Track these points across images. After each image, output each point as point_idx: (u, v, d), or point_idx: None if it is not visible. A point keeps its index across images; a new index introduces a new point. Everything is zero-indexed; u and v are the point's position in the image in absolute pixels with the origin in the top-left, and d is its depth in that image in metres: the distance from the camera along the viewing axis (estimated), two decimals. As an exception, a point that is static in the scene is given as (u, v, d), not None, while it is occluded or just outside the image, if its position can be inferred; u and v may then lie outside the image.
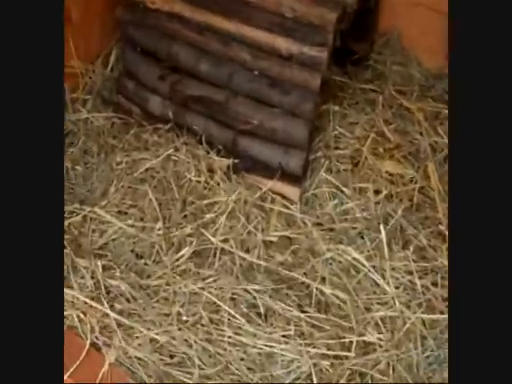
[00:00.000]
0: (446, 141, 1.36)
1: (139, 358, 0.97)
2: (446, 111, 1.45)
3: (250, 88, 1.25)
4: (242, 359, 0.97)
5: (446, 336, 1.01)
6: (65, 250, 1.08)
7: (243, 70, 1.24)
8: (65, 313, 1.01)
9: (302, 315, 1.02)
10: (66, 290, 1.02)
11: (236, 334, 0.99)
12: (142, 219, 1.18)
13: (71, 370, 0.95)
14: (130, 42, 1.38)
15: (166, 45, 1.31)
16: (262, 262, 1.09)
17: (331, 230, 1.19)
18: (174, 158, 1.27)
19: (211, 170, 1.26)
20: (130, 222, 1.17)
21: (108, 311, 1.01)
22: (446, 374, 0.97)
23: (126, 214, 1.20)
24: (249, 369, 0.96)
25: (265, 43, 1.20)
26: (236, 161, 1.27)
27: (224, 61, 1.26)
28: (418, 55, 1.65)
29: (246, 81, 1.25)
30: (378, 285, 1.09)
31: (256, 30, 1.21)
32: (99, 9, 1.44)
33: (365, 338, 1.00)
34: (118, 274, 1.06)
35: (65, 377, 0.94)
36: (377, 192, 1.25)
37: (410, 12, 1.59)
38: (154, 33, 1.32)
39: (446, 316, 1.03)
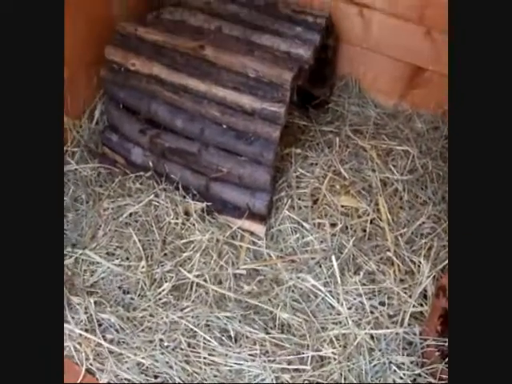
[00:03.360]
0: (396, 175, 1.54)
1: (128, 380, 1.12)
2: (398, 147, 1.63)
3: (220, 140, 1.39)
4: (215, 376, 1.12)
5: (392, 347, 1.18)
6: (61, 289, 1.25)
7: (213, 124, 1.39)
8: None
9: (267, 336, 1.17)
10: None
11: (210, 355, 1.14)
12: (127, 259, 1.33)
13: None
14: (113, 99, 1.54)
15: (146, 103, 1.46)
16: (231, 294, 1.25)
17: (293, 261, 1.35)
18: (154, 203, 1.42)
19: (187, 213, 1.41)
20: (116, 261, 1.31)
21: (100, 341, 1.16)
22: (389, 380, 1.13)
23: (113, 254, 1.34)
24: (220, 384, 1.12)
25: (231, 101, 1.34)
26: (209, 204, 1.42)
27: (196, 117, 1.40)
28: (374, 97, 1.83)
29: (216, 134, 1.39)
30: (333, 307, 1.24)
31: (224, 90, 1.34)
32: (85, 68, 1.59)
33: (320, 353, 1.15)
34: (108, 308, 1.21)
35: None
36: (333, 225, 1.41)
37: (367, 58, 1.76)
38: (135, 92, 1.47)
39: (392, 330, 1.20)
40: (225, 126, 1.38)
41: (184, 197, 1.43)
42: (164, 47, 1.44)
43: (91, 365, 1.14)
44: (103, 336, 1.17)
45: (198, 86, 1.38)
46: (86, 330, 1.18)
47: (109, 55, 1.49)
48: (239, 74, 1.36)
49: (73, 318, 1.20)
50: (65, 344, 1.16)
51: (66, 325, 1.18)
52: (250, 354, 1.15)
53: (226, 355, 1.15)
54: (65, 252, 1.33)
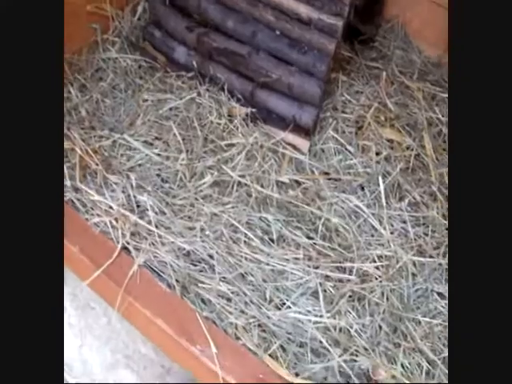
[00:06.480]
0: (441, 117, 1.49)
1: (166, 263, 1.07)
2: (442, 94, 1.58)
3: (272, 46, 1.32)
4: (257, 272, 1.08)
5: (434, 274, 1.14)
6: (97, 167, 1.18)
7: (266, 29, 1.32)
8: (98, 219, 1.11)
9: (311, 242, 1.13)
10: (100, 198, 1.12)
11: (252, 252, 1.10)
12: (166, 150, 1.26)
13: (103, 267, 1.04)
14: (159, -6, 1.46)
15: (196, 1, 1.38)
16: (275, 195, 1.19)
17: (336, 180, 1.30)
18: (197, 100, 1.35)
19: (231, 115, 1.34)
20: (155, 150, 1.25)
21: (138, 220, 1.10)
22: (431, 306, 1.10)
23: (151, 144, 1.27)
24: (263, 280, 1.07)
25: (288, 7, 1.28)
26: (254, 110, 1.36)
27: (249, 19, 1.33)
28: (419, 44, 1.78)
29: (268, 39, 1.32)
30: (375, 229, 1.20)
31: (280, -5, 1.28)
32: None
33: (364, 267, 1.11)
34: (147, 189, 1.15)
35: (98, 272, 1.04)
36: (377, 154, 1.36)
37: (414, 4, 1.71)
38: (183, -12, 1.39)
39: (435, 259, 1.16)
40: (278, 33, 1.31)
41: (228, 99, 1.36)
42: None
43: (128, 243, 1.07)
44: (142, 217, 1.11)
45: (252, -13, 1.30)
46: (124, 209, 1.12)
47: None
48: (298, -19, 1.29)
49: (111, 196, 1.14)
50: (100, 219, 1.10)
51: (103, 199, 1.12)
52: (293, 257, 1.10)
53: (268, 254, 1.10)
54: (102, 134, 1.26)
